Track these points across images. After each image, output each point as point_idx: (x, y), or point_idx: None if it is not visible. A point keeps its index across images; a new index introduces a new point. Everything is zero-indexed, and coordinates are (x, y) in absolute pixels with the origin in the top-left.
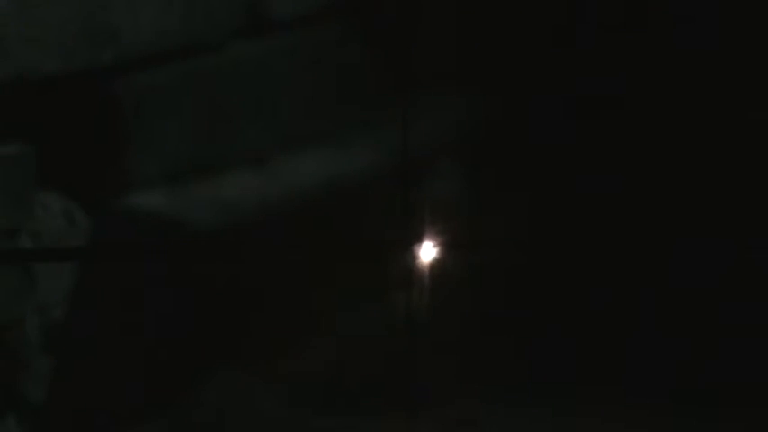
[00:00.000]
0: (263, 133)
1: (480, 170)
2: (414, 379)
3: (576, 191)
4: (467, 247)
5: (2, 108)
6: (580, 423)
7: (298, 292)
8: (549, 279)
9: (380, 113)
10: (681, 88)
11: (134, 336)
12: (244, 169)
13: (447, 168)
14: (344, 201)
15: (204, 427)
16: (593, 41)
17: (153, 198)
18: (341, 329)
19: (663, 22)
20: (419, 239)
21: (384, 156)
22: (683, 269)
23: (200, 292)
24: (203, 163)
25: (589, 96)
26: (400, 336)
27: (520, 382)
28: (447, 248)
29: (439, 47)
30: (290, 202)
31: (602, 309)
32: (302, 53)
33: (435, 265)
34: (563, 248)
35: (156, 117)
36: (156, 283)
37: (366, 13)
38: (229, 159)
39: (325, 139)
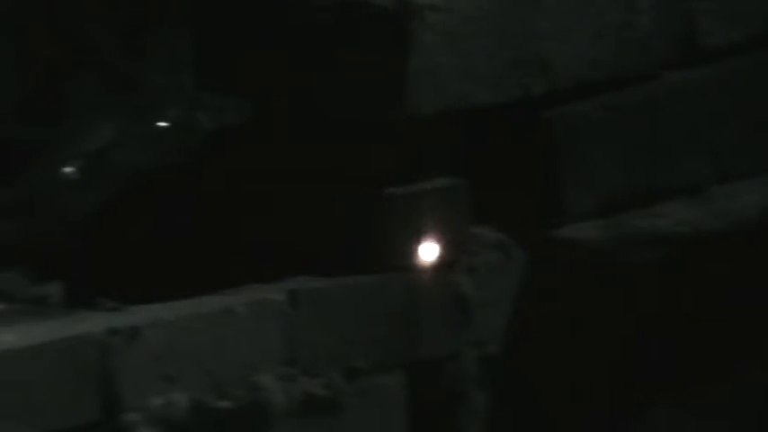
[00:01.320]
0: (699, 163)
1: None
2: None
3: None
4: None
5: (435, 140)
6: None
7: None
8: None
9: None
10: None
11: (577, 372)
12: (679, 200)
13: None
14: None
15: None
16: None
17: (588, 230)
18: None
19: None
20: None
21: None
22: None
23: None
24: (637, 194)
25: None
26: None
27: None
28: None
29: None
30: (728, 234)
31: None
32: (736, 82)
33: None
34: None
35: (589, 147)
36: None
37: None
38: (664, 190)
39: (763, 168)
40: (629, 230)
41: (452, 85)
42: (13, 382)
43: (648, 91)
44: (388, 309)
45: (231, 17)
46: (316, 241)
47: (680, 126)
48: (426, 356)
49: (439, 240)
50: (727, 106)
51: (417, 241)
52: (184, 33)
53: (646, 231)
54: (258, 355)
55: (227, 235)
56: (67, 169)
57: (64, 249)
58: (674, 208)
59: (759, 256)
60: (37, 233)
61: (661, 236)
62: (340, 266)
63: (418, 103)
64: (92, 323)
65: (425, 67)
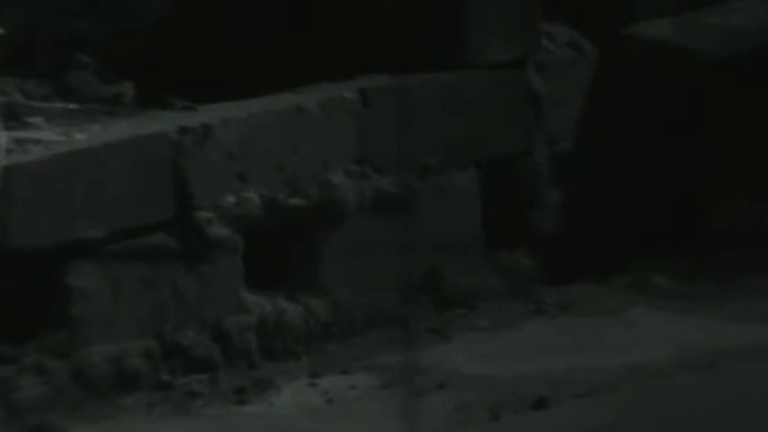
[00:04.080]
0: None
1: None
2: None
3: None
4: None
5: None
6: None
7: None
8: None
9: None
10: None
11: (647, 165)
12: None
13: None
14: None
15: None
16: None
17: (659, 27)
18: None
19: None
20: None
21: None
22: None
23: None
24: None
25: None
26: None
27: None
28: None
29: None
30: None
31: None
32: None
33: None
34: None
35: None
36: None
37: None
38: None
39: None
40: (700, 26)
41: None
42: (86, 181)
43: None
44: (460, 107)
45: None
46: (390, 40)
47: None
48: (499, 154)
49: (513, 38)
50: None
51: (490, 38)
52: None
53: (717, 27)
54: (330, 153)
55: (306, 36)
56: None
57: (136, 49)
58: (748, 4)
59: None
60: (109, 33)
61: (730, 32)
62: (413, 65)
63: None
64: (164, 122)
65: None
